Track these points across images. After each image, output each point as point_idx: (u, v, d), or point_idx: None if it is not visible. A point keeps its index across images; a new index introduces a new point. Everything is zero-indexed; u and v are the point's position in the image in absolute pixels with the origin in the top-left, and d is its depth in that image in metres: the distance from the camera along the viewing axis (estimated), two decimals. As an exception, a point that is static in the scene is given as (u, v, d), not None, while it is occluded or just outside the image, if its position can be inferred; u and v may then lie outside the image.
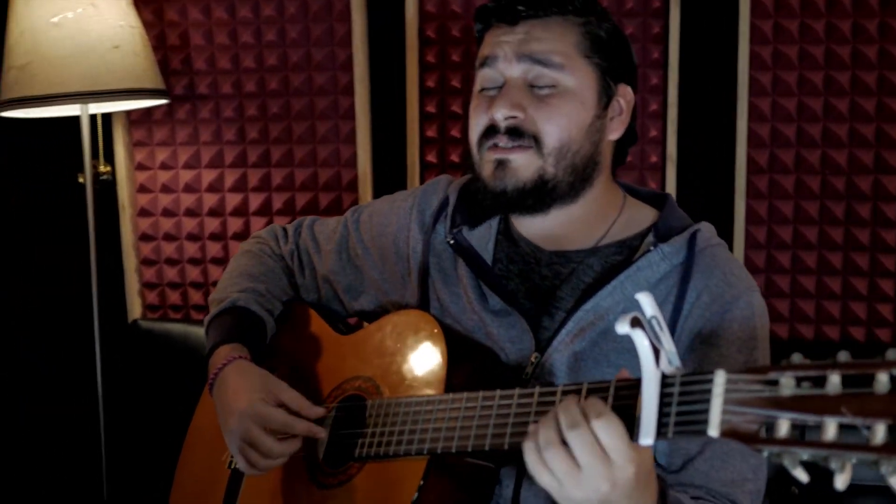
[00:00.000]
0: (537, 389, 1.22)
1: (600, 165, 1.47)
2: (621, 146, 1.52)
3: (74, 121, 2.50)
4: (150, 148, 2.68)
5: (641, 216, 1.50)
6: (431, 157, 2.57)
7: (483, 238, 1.52)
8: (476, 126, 1.45)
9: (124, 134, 2.67)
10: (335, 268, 1.66)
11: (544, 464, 1.09)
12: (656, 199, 1.54)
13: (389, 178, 2.56)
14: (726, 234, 2.44)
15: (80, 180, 2.57)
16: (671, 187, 2.46)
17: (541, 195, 1.43)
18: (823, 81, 2.38)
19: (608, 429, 1.07)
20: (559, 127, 1.40)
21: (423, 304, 1.52)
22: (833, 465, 0.92)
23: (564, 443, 1.08)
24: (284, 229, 1.76)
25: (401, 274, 1.58)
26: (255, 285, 1.64)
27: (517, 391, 1.25)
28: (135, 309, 2.74)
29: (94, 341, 2.53)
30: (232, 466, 1.57)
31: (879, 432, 0.89)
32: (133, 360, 2.66)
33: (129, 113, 2.66)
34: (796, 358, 0.97)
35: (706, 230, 1.47)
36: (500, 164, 1.42)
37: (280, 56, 2.59)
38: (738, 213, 2.44)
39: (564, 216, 1.47)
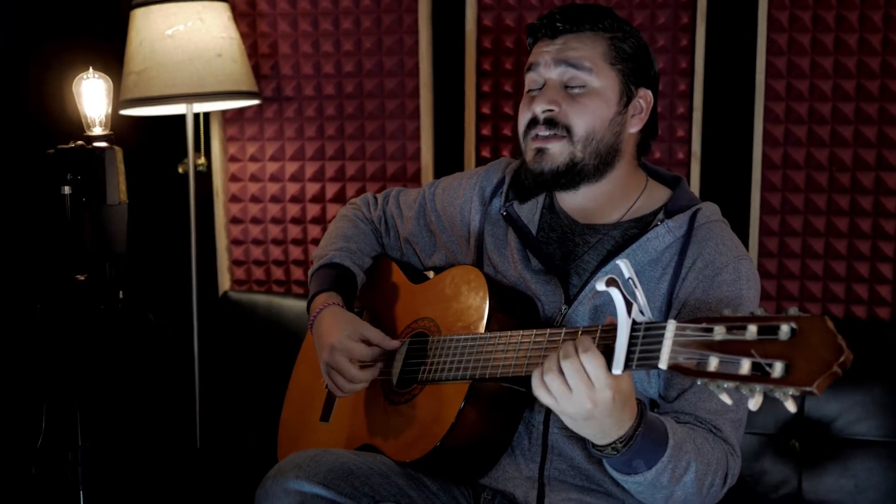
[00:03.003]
0: (548, 331, 1.58)
1: (622, 153, 1.80)
2: (644, 139, 1.85)
3: (175, 119, 2.91)
4: (241, 142, 3.08)
5: (658, 196, 1.83)
6: (486, 153, 2.93)
7: (530, 211, 1.86)
8: (522, 119, 1.80)
9: (219, 130, 3.07)
10: (414, 231, 2.02)
11: (545, 386, 1.44)
12: (673, 182, 1.87)
13: (448, 171, 2.90)
14: (743, 222, 2.77)
15: (180, 170, 2.98)
16: (695, 181, 2.79)
17: (571, 175, 1.77)
18: (832, 88, 2.69)
19: (592, 361, 1.40)
20: (586, 120, 1.74)
21: (478, 263, 1.87)
22: (744, 391, 1.24)
23: (561, 371, 1.42)
24: (375, 197, 2.12)
25: (464, 237, 1.93)
26: (349, 245, 2.00)
27: (534, 332, 1.60)
28: (224, 282, 3.14)
29: (192, 309, 2.94)
30: (327, 388, 1.95)
31: (777, 369, 1.21)
32: (222, 326, 3.05)
33: (224, 112, 3.06)
34: (727, 312, 1.30)
35: (707, 209, 1.78)
36: (540, 152, 1.77)
37: (356, 63, 2.98)
38: (754, 204, 2.76)
39: (592, 193, 1.80)
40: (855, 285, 2.73)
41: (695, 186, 2.79)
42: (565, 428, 1.58)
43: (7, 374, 2.58)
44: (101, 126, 1.93)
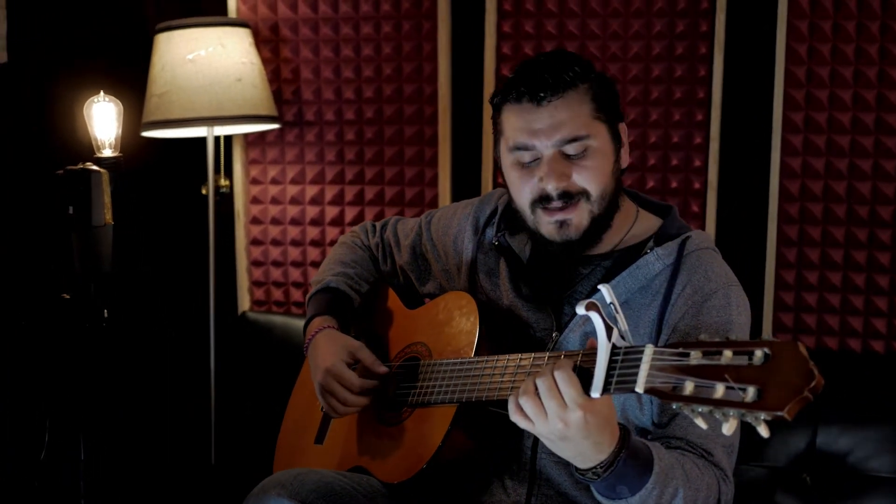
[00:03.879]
0: (533, 355, 1.58)
1: (619, 191, 1.80)
2: None
3: (199, 142, 2.96)
4: (262, 165, 3.13)
5: (649, 225, 1.82)
6: (501, 180, 2.94)
7: (522, 241, 1.88)
8: (525, 194, 1.74)
9: (242, 153, 3.12)
10: (409, 259, 2.05)
11: (520, 408, 1.44)
12: (664, 211, 1.86)
13: (466, 197, 2.92)
14: (760, 253, 2.75)
15: (203, 192, 3.03)
16: (711, 211, 2.77)
17: (595, 231, 1.75)
18: (850, 121, 2.67)
19: (564, 380, 1.41)
20: (597, 180, 1.72)
21: (471, 291, 1.88)
22: (718, 416, 1.25)
23: (537, 392, 1.43)
24: (374, 225, 2.16)
25: (457, 266, 1.96)
26: (347, 270, 2.05)
27: (520, 356, 1.60)
28: (244, 303, 3.18)
29: (210, 328, 2.98)
30: (323, 410, 1.97)
31: (750, 393, 1.22)
32: (240, 346, 3.09)
33: (246, 135, 3.11)
34: (704, 337, 1.31)
35: (696, 237, 1.78)
36: (563, 224, 1.73)
37: (376, 89, 3.01)
38: (771, 235, 2.74)
39: None
40: (873, 319, 2.69)
41: (711, 216, 2.78)
42: (553, 454, 1.57)
43: (10, 389, 2.63)
44: (110, 148, 1.97)
